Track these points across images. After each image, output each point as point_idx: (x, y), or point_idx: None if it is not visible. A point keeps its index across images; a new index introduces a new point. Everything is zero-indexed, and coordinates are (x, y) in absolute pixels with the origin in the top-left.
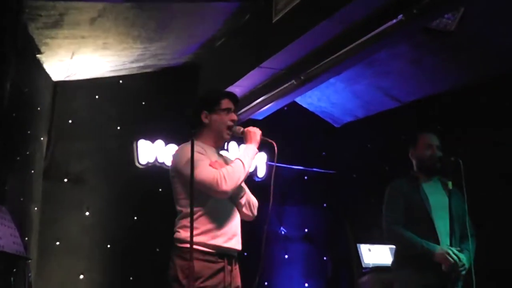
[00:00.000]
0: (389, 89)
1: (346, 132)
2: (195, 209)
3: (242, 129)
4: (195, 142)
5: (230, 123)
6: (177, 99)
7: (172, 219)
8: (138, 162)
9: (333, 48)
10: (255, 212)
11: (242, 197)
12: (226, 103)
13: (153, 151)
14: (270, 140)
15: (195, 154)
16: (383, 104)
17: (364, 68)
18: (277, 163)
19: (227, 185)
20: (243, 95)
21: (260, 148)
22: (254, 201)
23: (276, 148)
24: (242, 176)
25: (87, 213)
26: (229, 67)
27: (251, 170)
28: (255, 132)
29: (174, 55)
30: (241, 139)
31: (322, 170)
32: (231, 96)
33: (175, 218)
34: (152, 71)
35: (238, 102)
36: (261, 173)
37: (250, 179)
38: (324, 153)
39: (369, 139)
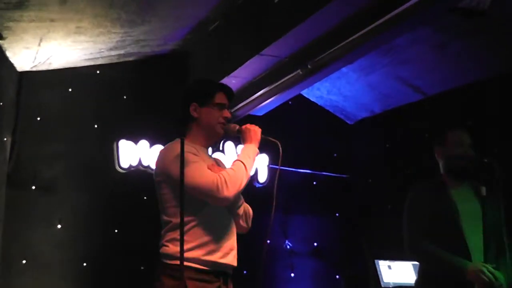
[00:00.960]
0: (411, 79)
1: (361, 130)
2: (187, 219)
3: (238, 127)
4: (185, 142)
5: (223, 120)
6: (164, 93)
7: (159, 231)
8: (119, 166)
9: (345, 32)
10: (250, 224)
11: (240, 206)
12: (220, 97)
13: (136, 153)
14: (273, 139)
15: (188, 155)
16: (404, 97)
17: (381, 55)
18: (281, 166)
19: (229, 191)
20: (240, 87)
21: (261, 149)
22: (250, 211)
23: (280, 148)
24: (245, 180)
25: (59, 226)
26: (224, 55)
27: (251, 174)
28: (255, 130)
29: (159, 41)
30: (238, 139)
31: (334, 174)
32: (227, 90)
33: (161, 231)
34: (134, 60)
35: (233, 98)
36: (262, 177)
37: (250, 185)
38: (335, 154)
39: (388, 138)
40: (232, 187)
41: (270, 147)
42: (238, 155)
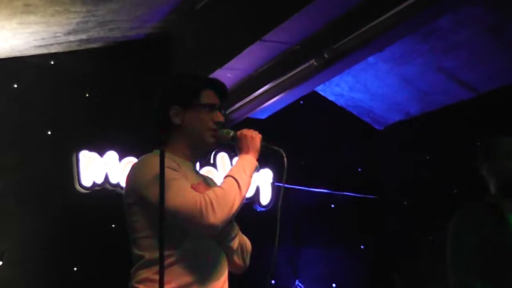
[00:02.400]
0: (457, 71)
1: (393, 137)
2: (165, 253)
3: (232, 132)
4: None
5: (213, 126)
6: (139, 90)
7: (129, 269)
8: (80, 184)
9: (372, 11)
10: (248, 262)
11: (233, 238)
12: (208, 96)
13: (101, 168)
14: (277, 148)
15: (165, 171)
16: (448, 95)
17: (419, 41)
18: (290, 184)
19: (216, 216)
20: (237, 83)
21: (263, 162)
22: (247, 245)
23: (285, 159)
24: (237, 202)
25: (0, 263)
26: (216, 41)
27: (249, 194)
28: (253, 137)
29: (133, 22)
30: (233, 148)
31: (358, 195)
32: (217, 87)
33: (132, 268)
34: (99, 47)
35: (227, 95)
36: (265, 199)
37: (249, 209)
38: (360, 169)
39: (428, 147)
40: (220, 212)
41: (275, 160)
42: (230, 169)
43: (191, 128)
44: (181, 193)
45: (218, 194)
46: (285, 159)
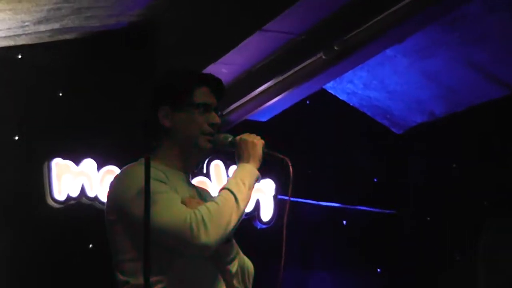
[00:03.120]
0: (489, 65)
1: (415, 142)
2: (153, 278)
3: (231, 137)
4: (152, 165)
5: (209, 129)
6: (120, 88)
7: None
8: (52, 198)
9: None
10: (250, 287)
11: (232, 260)
12: (202, 94)
13: (77, 179)
14: (281, 156)
15: (152, 184)
16: (478, 92)
17: (445, 29)
18: (294, 196)
19: (209, 235)
20: (233, 80)
21: (264, 171)
22: (249, 268)
23: (291, 168)
24: (234, 219)
25: None
26: (208, 32)
27: (248, 209)
28: (255, 143)
29: (112, 10)
30: (231, 156)
31: (373, 209)
32: (212, 83)
33: None
34: (74, 39)
35: (224, 92)
36: (266, 214)
37: (249, 226)
38: (375, 179)
39: (455, 154)
40: (213, 230)
41: (277, 168)
42: (227, 180)
43: (183, 132)
44: (169, 208)
45: (211, 209)
46: (291, 168)
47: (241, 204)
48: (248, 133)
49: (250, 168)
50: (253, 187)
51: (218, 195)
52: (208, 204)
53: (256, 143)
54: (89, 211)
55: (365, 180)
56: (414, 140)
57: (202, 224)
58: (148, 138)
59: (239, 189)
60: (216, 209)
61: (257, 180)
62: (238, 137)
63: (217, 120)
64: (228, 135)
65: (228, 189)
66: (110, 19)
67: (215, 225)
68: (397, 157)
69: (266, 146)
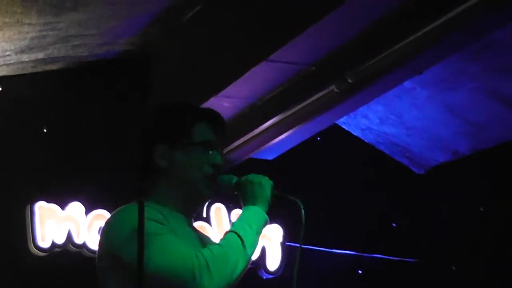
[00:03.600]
0: None
1: (437, 183)
2: None
3: (235, 179)
4: (147, 205)
5: (210, 170)
6: (111, 124)
7: None
8: (35, 245)
9: (409, 23)
10: None
11: None
12: (201, 132)
13: (63, 224)
14: (293, 198)
15: (149, 225)
16: (507, 128)
17: (468, 60)
18: (304, 243)
19: (213, 282)
20: (236, 115)
21: (272, 215)
22: None
23: (303, 212)
24: (241, 265)
25: None
26: (208, 62)
27: (253, 257)
28: (262, 184)
29: (102, 38)
30: (234, 198)
31: (392, 257)
32: (211, 118)
33: None
34: (60, 69)
35: (225, 129)
36: (273, 263)
37: (252, 276)
38: (394, 224)
39: (482, 197)
40: (218, 276)
41: (285, 212)
42: (233, 223)
43: (182, 174)
44: (167, 251)
45: (215, 252)
46: (303, 212)
47: (249, 249)
48: (254, 174)
49: (258, 211)
50: (261, 231)
51: (223, 238)
52: (212, 247)
53: (264, 184)
54: (76, 260)
55: (383, 225)
56: (437, 181)
57: (206, 269)
58: (142, 179)
59: (246, 233)
60: (222, 253)
61: (266, 224)
62: (243, 178)
63: (218, 160)
64: (232, 176)
65: (234, 232)
66: (100, 48)
67: (220, 270)
68: (418, 199)
69: (275, 187)
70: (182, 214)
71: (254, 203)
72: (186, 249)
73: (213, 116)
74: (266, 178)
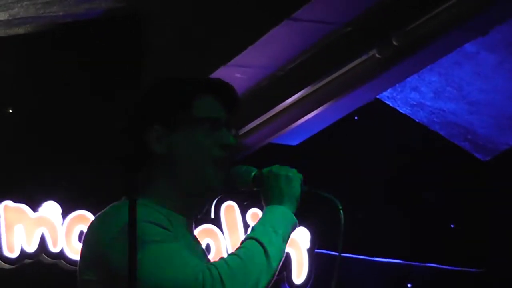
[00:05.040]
0: None
1: (507, 173)
2: None
3: (254, 171)
4: (141, 203)
5: (220, 155)
6: (93, 101)
7: None
8: (0, 255)
9: None
10: None
11: None
12: (207, 106)
13: (35, 229)
14: (328, 195)
15: (145, 228)
16: None
17: None
18: (343, 251)
19: None
20: (251, 89)
21: (298, 213)
22: None
23: (342, 214)
24: (264, 280)
25: None
26: (215, 24)
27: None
28: (289, 177)
29: None
30: (251, 195)
31: (450, 267)
32: (219, 89)
33: None
34: (29, 33)
35: (238, 103)
36: (299, 274)
37: None
38: (453, 224)
39: None
40: None
41: (314, 213)
42: (252, 228)
43: (184, 159)
44: (174, 264)
45: (233, 267)
46: (341, 213)
47: (274, 261)
48: (278, 165)
49: (285, 213)
50: (289, 238)
51: (242, 247)
52: (228, 258)
53: (292, 177)
54: (51, 273)
55: (438, 227)
56: (506, 170)
57: (220, 286)
58: (134, 171)
59: (270, 240)
60: (240, 266)
61: (294, 228)
62: (265, 171)
63: (230, 140)
64: (251, 167)
65: (255, 239)
66: (78, 6)
67: (238, 287)
68: (483, 193)
69: (306, 182)
70: (182, 215)
71: (280, 202)
72: (195, 261)
73: (222, 88)
74: (294, 170)
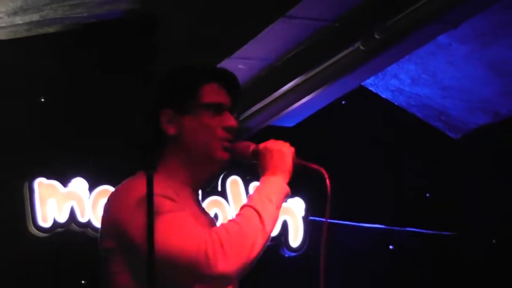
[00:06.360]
0: None
1: (476, 149)
2: None
3: (254, 146)
4: (155, 177)
5: (224, 134)
6: (113, 91)
7: None
8: (35, 225)
9: None
10: None
11: None
12: (212, 93)
13: (65, 202)
14: (316, 167)
15: (159, 201)
16: None
17: (510, 10)
18: (331, 218)
19: (229, 263)
20: (252, 78)
21: (293, 186)
22: None
23: (329, 184)
24: (259, 243)
25: None
26: (221, 20)
27: (274, 233)
28: (282, 151)
29: None
30: (252, 170)
31: (426, 231)
32: (223, 77)
33: None
34: (57, 32)
35: (239, 90)
36: (295, 239)
37: (273, 253)
38: (428, 194)
39: None
40: (234, 256)
41: (308, 184)
42: (249, 196)
43: (193, 139)
44: (179, 230)
45: (231, 231)
46: (328, 182)
47: (268, 225)
48: (273, 140)
49: (278, 182)
50: (281, 205)
51: (239, 214)
52: (228, 224)
53: (285, 152)
54: (80, 240)
55: (416, 196)
56: (476, 146)
57: (220, 250)
58: (150, 150)
59: (264, 207)
60: (237, 231)
61: (287, 197)
62: (261, 145)
63: (233, 122)
64: (250, 143)
65: (252, 207)
66: (101, 8)
67: (236, 250)
68: (455, 167)
69: (298, 156)
70: (191, 187)
71: (274, 173)
72: (198, 227)
73: (225, 77)
74: (287, 144)
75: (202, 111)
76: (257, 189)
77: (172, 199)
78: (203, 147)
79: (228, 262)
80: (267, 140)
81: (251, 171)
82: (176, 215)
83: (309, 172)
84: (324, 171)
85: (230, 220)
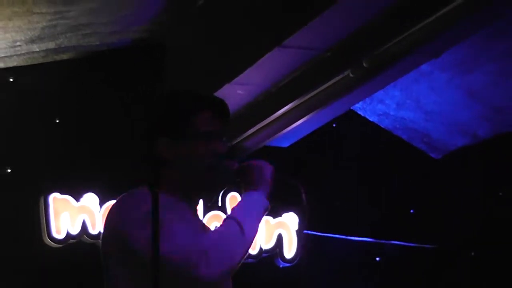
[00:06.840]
0: None
1: (456, 168)
2: None
3: (236, 164)
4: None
5: (213, 161)
6: (123, 113)
7: None
8: (49, 236)
9: (425, 5)
10: None
11: None
12: (205, 121)
13: (77, 215)
14: (293, 182)
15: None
16: None
17: (488, 41)
18: (320, 231)
19: (211, 268)
20: (250, 102)
21: (286, 203)
22: None
23: (303, 193)
24: (240, 251)
25: None
26: (221, 49)
27: (270, 246)
28: (261, 167)
29: (114, 26)
30: (238, 186)
31: (410, 244)
32: (215, 107)
33: None
34: (71, 59)
35: (229, 118)
36: (289, 251)
37: (269, 264)
38: (412, 210)
39: (502, 181)
40: (216, 262)
41: (301, 200)
42: (232, 209)
43: (186, 165)
44: (170, 239)
45: (214, 239)
46: (303, 194)
47: (248, 235)
48: (254, 159)
49: (257, 196)
50: (262, 218)
51: (221, 225)
52: (211, 234)
53: (263, 167)
54: (91, 251)
55: (401, 212)
56: (455, 165)
57: (204, 256)
58: (154, 170)
59: (244, 219)
60: (219, 239)
61: (266, 209)
62: (243, 164)
63: (221, 149)
64: (234, 162)
65: (233, 218)
66: (112, 37)
67: (218, 257)
68: (436, 185)
69: (278, 171)
70: (186, 202)
71: (254, 188)
72: (186, 236)
73: (217, 104)
74: (266, 162)
75: (196, 139)
76: (239, 203)
77: (164, 210)
78: (194, 173)
79: (211, 269)
80: (263, 158)
81: (236, 187)
82: (171, 226)
83: (287, 187)
84: (300, 186)
85: (213, 230)
